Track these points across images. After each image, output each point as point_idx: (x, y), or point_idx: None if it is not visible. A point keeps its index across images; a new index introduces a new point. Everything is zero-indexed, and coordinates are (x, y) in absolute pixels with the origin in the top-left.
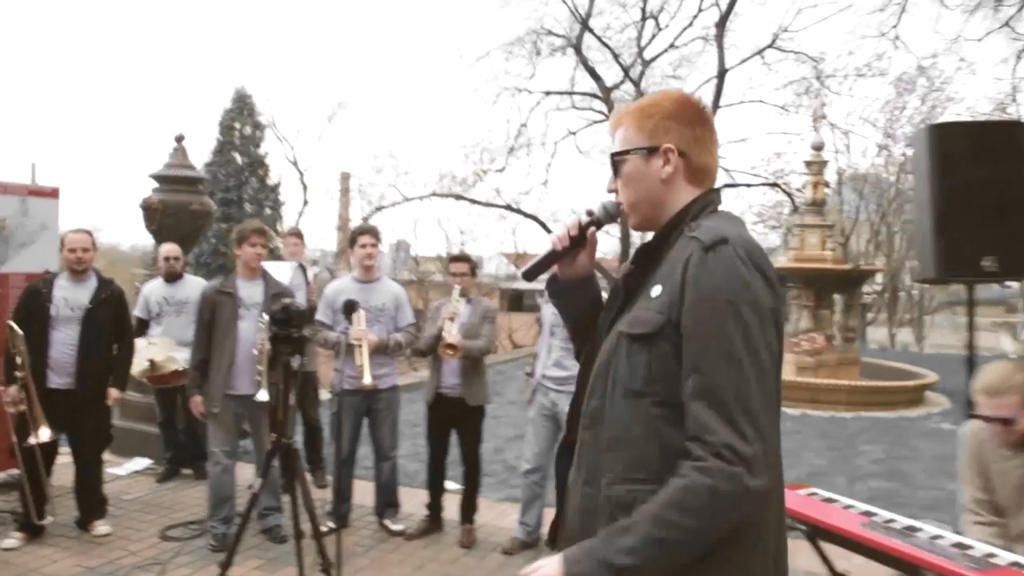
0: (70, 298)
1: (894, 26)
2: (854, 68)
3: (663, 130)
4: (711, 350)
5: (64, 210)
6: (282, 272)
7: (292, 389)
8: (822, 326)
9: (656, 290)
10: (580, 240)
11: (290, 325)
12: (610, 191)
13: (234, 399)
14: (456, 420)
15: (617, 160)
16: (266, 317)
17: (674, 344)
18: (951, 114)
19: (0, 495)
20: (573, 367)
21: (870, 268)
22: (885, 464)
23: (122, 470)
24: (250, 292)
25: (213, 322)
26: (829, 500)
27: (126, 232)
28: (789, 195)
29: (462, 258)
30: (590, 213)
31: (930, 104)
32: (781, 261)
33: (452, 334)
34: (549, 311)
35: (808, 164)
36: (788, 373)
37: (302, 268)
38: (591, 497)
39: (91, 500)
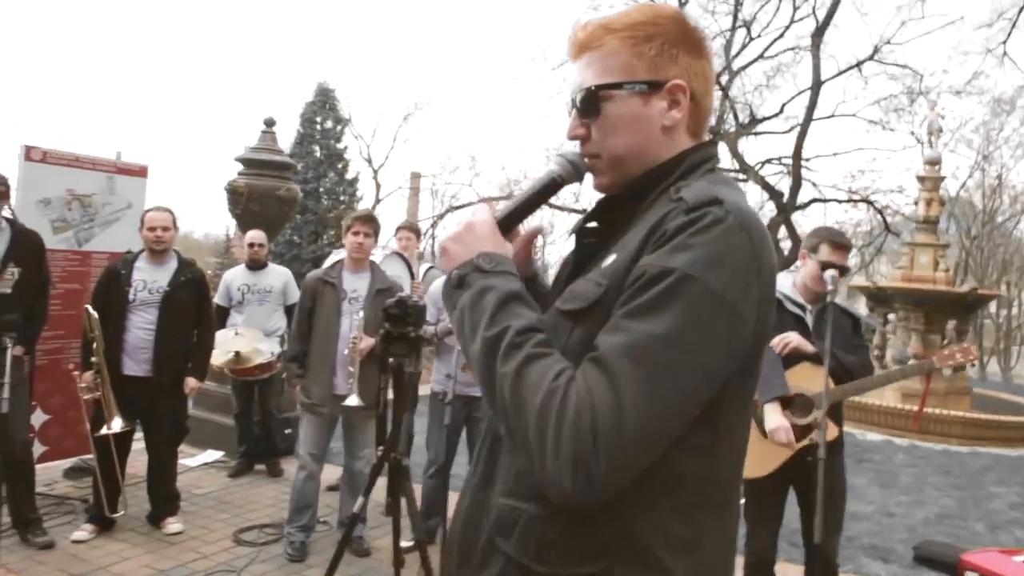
0: (149, 280)
1: (1003, 42)
2: (947, 86)
3: (669, 59)
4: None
5: (158, 193)
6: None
7: (405, 397)
8: (930, 352)
9: (610, 259)
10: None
11: (406, 323)
12: (574, 137)
13: (331, 398)
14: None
15: (600, 96)
16: (361, 313)
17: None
18: None
19: (72, 481)
20: None
21: (988, 292)
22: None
23: (194, 461)
24: (354, 284)
25: (314, 312)
26: None
27: (200, 220)
28: (880, 212)
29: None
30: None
31: None
32: (882, 281)
33: None
34: None
35: (922, 179)
36: (892, 400)
37: (406, 262)
38: (479, 504)
39: (163, 495)
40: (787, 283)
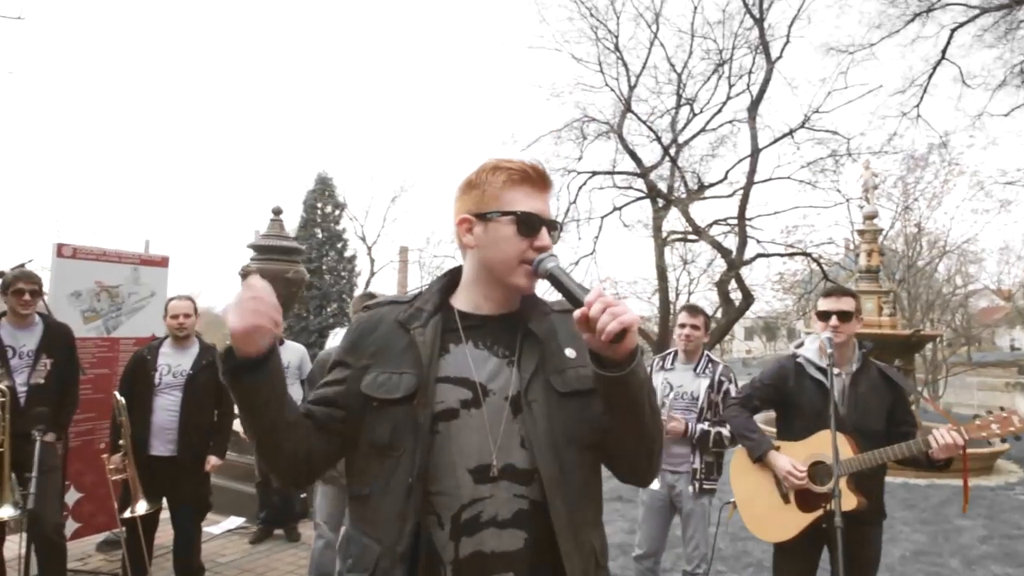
0: (173, 364)
1: (916, 106)
2: (867, 147)
3: None
4: None
5: (187, 280)
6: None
7: None
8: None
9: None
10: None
11: None
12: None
13: None
14: None
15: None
16: None
17: None
18: (963, 186)
19: (104, 555)
20: (687, 443)
21: (929, 333)
22: (995, 544)
23: (217, 528)
24: None
25: None
26: None
27: (222, 296)
28: (818, 263)
29: None
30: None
31: (942, 178)
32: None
33: None
34: (659, 379)
35: (862, 233)
36: None
37: None
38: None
39: (188, 570)
40: (812, 347)
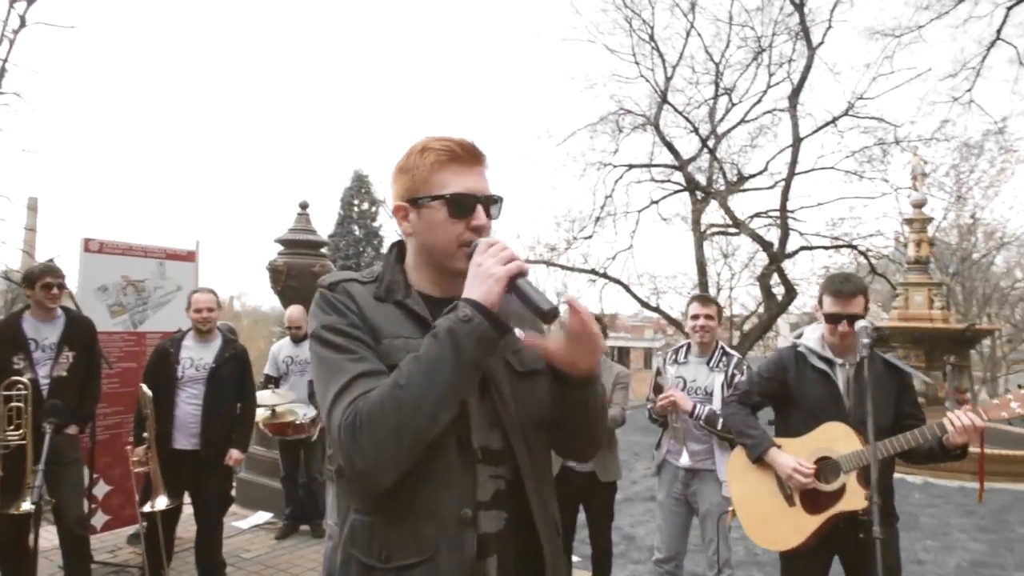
0: (195, 357)
1: (968, 90)
2: (916, 135)
3: None
4: None
5: (215, 276)
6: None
7: None
8: (932, 388)
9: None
10: None
11: None
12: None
13: None
14: (585, 496)
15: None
16: None
17: None
18: (1022, 174)
19: (134, 547)
20: (707, 440)
21: (985, 327)
22: None
23: (244, 523)
24: None
25: None
26: None
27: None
28: (865, 256)
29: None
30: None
31: (998, 166)
32: (885, 320)
33: None
34: (672, 373)
35: (910, 222)
36: None
37: None
38: None
39: (210, 563)
40: (814, 336)
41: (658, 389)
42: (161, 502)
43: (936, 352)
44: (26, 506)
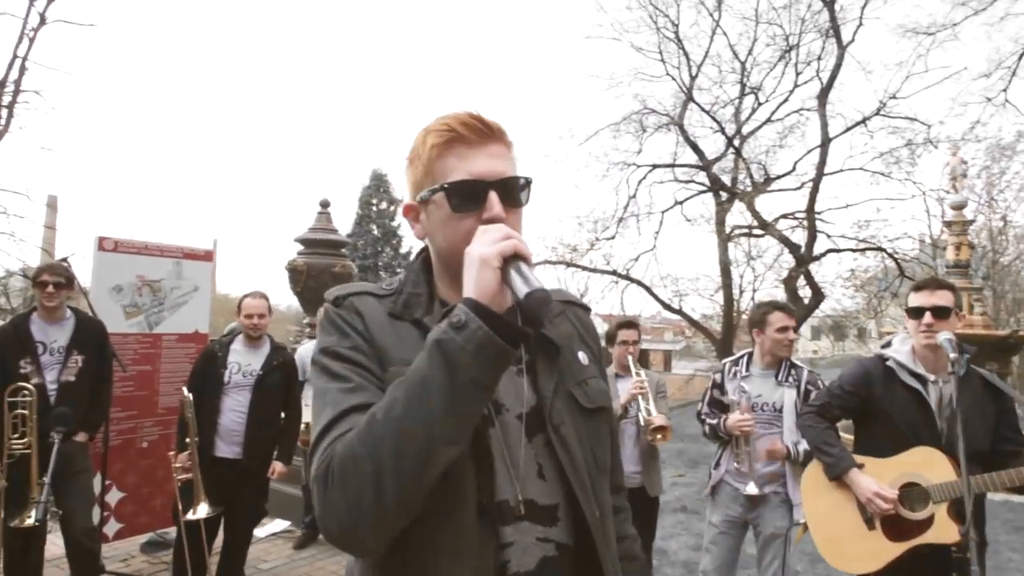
0: (243, 363)
1: (1003, 90)
2: (946, 136)
3: None
4: None
5: (234, 274)
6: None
7: None
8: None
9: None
10: None
11: None
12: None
13: None
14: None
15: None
16: None
17: None
18: None
19: (148, 556)
20: (775, 462)
21: None
22: None
23: (262, 531)
24: None
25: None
26: None
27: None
28: (894, 258)
29: (631, 324)
30: None
31: None
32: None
33: (657, 415)
34: (733, 387)
35: (949, 224)
36: None
37: None
38: None
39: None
40: (904, 348)
41: (717, 404)
42: (203, 510)
43: (978, 360)
44: (30, 521)
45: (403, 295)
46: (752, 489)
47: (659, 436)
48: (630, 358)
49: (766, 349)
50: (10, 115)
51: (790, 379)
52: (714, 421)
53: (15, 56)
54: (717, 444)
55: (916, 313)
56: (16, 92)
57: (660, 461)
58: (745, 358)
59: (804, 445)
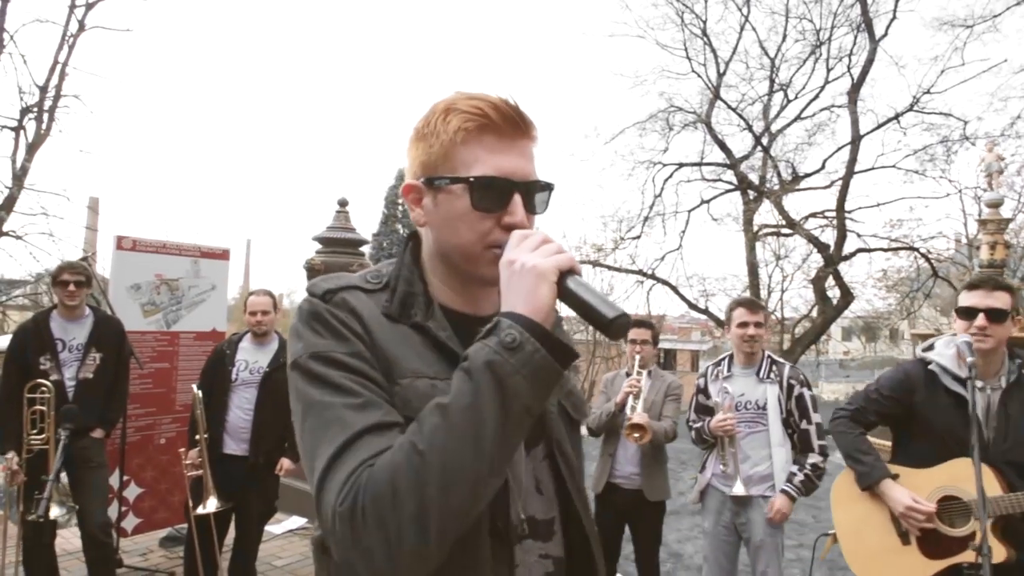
0: (250, 361)
1: None
2: (984, 132)
3: None
4: None
5: (264, 273)
6: None
7: None
8: None
9: None
10: None
11: None
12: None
13: None
14: (631, 516)
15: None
16: None
17: None
18: None
19: (166, 551)
20: (763, 462)
21: None
22: None
23: (278, 528)
24: None
25: None
26: None
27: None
28: (927, 259)
29: (644, 323)
30: None
31: None
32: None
33: (638, 413)
34: (716, 389)
35: (984, 223)
36: None
37: None
38: None
39: (243, 572)
40: (949, 352)
41: (702, 409)
42: (212, 504)
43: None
44: (31, 517)
45: (397, 293)
46: (739, 489)
47: (635, 435)
48: (637, 358)
49: (734, 347)
50: (51, 119)
51: (771, 375)
52: (699, 425)
53: (56, 62)
54: (704, 449)
55: (968, 314)
56: (57, 96)
57: (666, 465)
58: (727, 359)
59: (801, 476)
